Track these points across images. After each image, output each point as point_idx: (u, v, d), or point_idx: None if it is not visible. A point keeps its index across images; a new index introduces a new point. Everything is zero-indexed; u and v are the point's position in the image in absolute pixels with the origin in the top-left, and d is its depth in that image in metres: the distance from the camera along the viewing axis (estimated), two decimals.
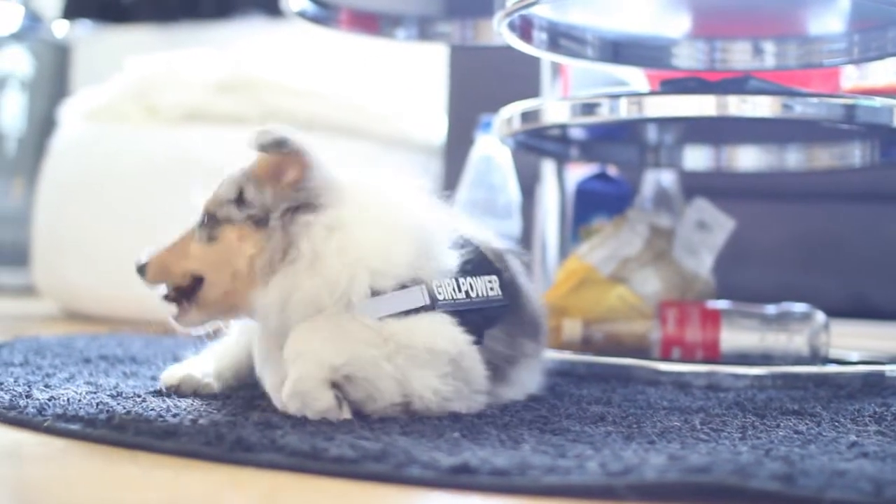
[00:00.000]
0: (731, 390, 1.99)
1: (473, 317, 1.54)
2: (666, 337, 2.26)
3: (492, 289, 1.59)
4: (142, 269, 1.61)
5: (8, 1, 5.98)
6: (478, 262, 1.59)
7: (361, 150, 3.88)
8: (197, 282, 1.57)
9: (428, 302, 1.50)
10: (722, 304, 2.31)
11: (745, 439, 1.41)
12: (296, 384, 1.42)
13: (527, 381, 1.72)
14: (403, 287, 1.50)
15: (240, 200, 1.58)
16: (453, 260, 1.55)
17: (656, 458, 1.20)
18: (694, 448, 1.31)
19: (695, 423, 1.54)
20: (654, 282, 2.42)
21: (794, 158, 2.57)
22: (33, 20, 6.06)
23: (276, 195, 1.55)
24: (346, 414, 1.43)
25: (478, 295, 1.56)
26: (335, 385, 1.44)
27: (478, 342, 1.53)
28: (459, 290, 1.54)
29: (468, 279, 1.55)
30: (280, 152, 1.56)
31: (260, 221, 1.54)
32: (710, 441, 1.38)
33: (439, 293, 1.51)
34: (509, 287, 1.63)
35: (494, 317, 1.57)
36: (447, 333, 1.51)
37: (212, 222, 1.58)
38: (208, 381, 1.71)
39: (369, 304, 1.48)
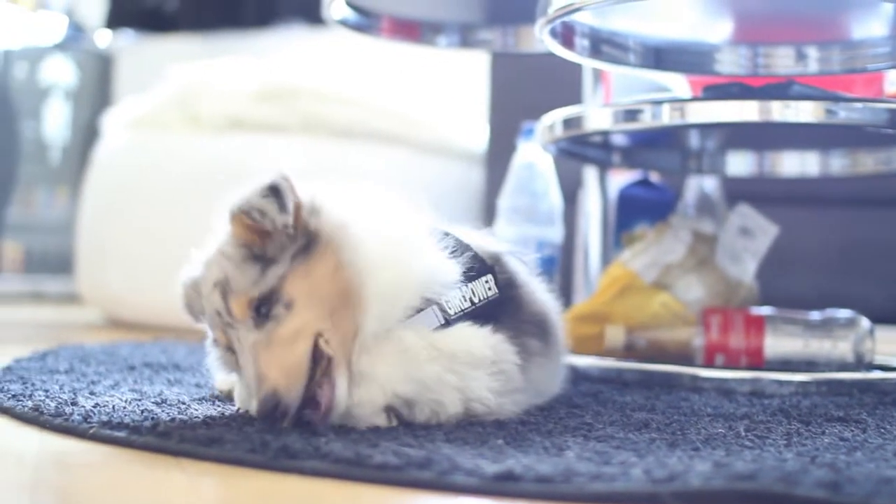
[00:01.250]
0: (776, 397, 1.98)
1: (473, 319, 1.55)
2: (709, 343, 2.25)
3: (489, 288, 1.59)
4: (274, 398, 1.36)
5: (52, 12, 6.03)
6: (474, 267, 1.59)
7: (402, 157, 3.88)
8: (317, 356, 1.41)
9: (442, 321, 1.51)
10: (766, 310, 2.30)
11: (790, 446, 1.40)
12: (354, 407, 1.42)
13: (541, 382, 1.72)
14: (419, 311, 1.50)
15: (259, 260, 1.45)
16: (456, 274, 1.55)
17: (701, 466, 1.19)
18: (739, 455, 1.31)
19: (739, 429, 1.53)
20: (698, 288, 2.41)
21: (837, 164, 2.55)
22: (76, 30, 6.11)
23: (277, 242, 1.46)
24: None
25: (480, 299, 1.57)
26: (390, 407, 1.45)
27: None
28: (465, 300, 1.55)
29: (469, 286, 1.56)
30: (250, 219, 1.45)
31: (302, 251, 1.45)
32: (755, 448, 1.38)
33: (449, 308, 1.53)
34: (506, 288, 1.63)
35: (490, 315, 1.57)
36: (482, 337, 1.53)
37: (268, 300, 1.42)
38: None
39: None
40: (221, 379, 1.69)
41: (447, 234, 1.61)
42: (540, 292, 1.77)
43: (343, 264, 1.44)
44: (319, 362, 1.39)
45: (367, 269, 1.46)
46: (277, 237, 1.44)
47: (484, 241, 1.70)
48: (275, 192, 1.44)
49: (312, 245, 1.44)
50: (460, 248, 1.60)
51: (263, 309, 1.40)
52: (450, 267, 1.55)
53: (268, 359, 1.38)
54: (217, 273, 1.45)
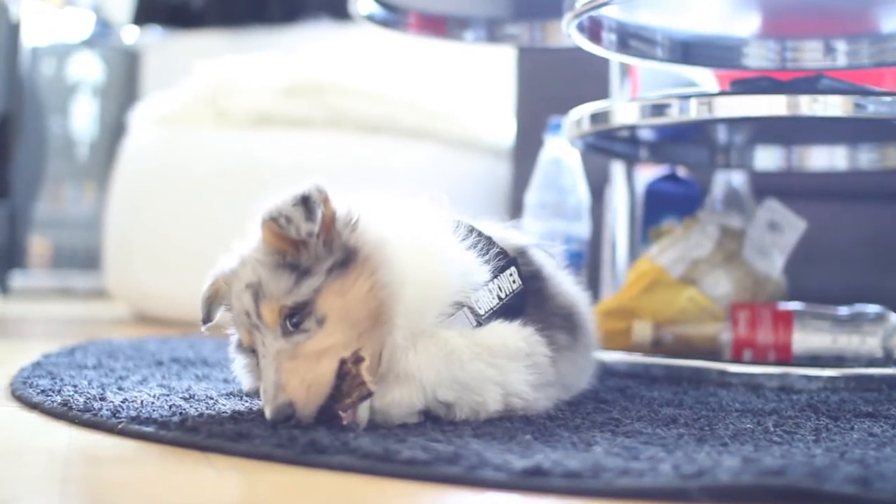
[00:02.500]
0: (804, 392, 1.98)
1: (502, 315, 1.55)
2: (737, 339, 2.24)
3: (514, 281, 1.59)
4: (289, 409, 1.35)
5: (79, 8, 6.05)
6: (499, 261, 1.59)
7: (429, 152, 3.89)
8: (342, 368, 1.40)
9: (474, 323, 1.52)
10: (794, 305, 2.29)
11: (818, 442, 1.39)
12: (391, 406, 1.42)
13: (569, 376, 1.72)
14: (450, 315, 1.50)
15: (293, 269, 1.43)
16: (485, 274, 1.55)
17: (730, 461, 1.19)
18: (767, 450, 1.30)
19: (768, 425, 1.53)
20: (725, 283, 2.40)
21: (866, 158, 2.54)
22: (104, 27, 6.13)
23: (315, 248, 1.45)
24: None
25: (506, 293, 1.57)
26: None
27: None
28: (493, 297, 1.54)
29: (495, 282, 1.56)
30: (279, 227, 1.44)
31: (339, 266, 1.44)
32: (783, 443, 1.37)
33: (479, 308, 1.53)
34: (531, 280, 1.63)
35: (517, 307, 1.57)
36: (514, 331, 1.54)
37: (300, 311, 1.41)
38: None
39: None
40: (248, 386, 1.69)
41: (472, 230, 1.61)
42: (567, 285, 1.77)
43: (379, 285, 1.43)
44: (343, 381, 1.37)
45: (401, 286, 1.45)
46: (311, 247, 1.43)
47: (508, 235, 1.70)
48: (304, 201, 1.44)
49: (350, 261, 1.43)
50: (485, 242, 1.60)
51: (294, 319, 1.40)
52: (479, 268, 1.55)
53: (291, 370, 1.37)
54: (251, 275, 1.44)
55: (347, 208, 1.50)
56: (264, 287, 1.42)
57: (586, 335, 1.76)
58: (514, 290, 1.58)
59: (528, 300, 1.60)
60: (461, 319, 1.51)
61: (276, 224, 1.42)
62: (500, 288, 1.57)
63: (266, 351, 1.40)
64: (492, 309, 1.54)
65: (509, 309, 1.56)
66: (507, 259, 1.60)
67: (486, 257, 1.57)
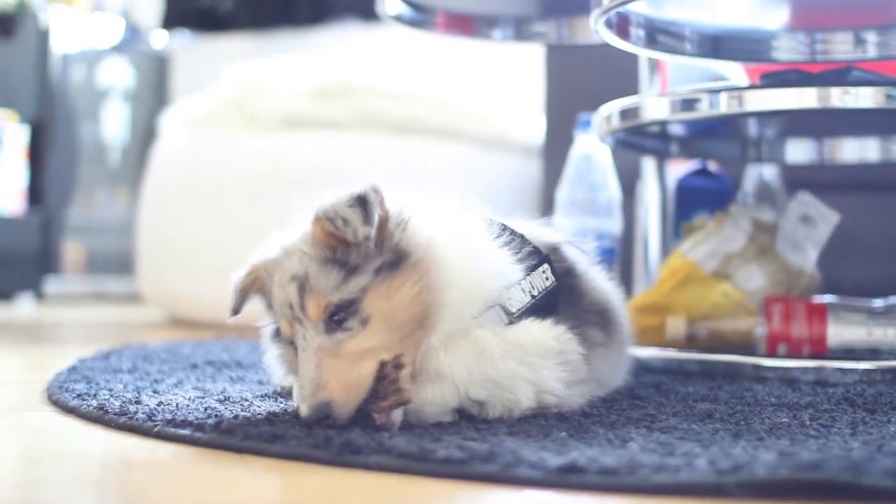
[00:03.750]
0: (840, 385, 1.97)
1: (534, 313, 1.55)
2: (772, 333, 2.24)
3: (546, 278, 1.59)
4: (327, 408, 1.35)
5: (108, 14, 6.07)
6: (532, 259, 1.59)
7: (459, 152, 3.88)
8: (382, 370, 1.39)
9: (506, 321, 1.52)
10: (828, 298, 2.28)
11: (855, 435, 1.39)
12: (425, 405, 1.42)
13: (604, 373, 1.71)
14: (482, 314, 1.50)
15: (341, 265, 1.43)
16: (519, 273, 1.55)
17: (766, 456, 1.19)
18: (804, 444, 1.30)
19: (804, 419, 1.52)
20: (759, 277, 2.39)
21: None
22: (133, 32, 6.16)
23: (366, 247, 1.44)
24: None
25: (538, 291, 1.56)
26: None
27: None
28: (525, 294, 1.54)
29: (527, 279, 1.56)
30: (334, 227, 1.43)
31: (388, 267, 1.43)
32: (819, 437, 1.37)
33: (511, 306, 1.53)
34: (564, 277, 1.63)
35: (550, 305, 1.57)
36: (546, 328, 1.53)
37: (345, 309, 1.40)
38: None
39: None
40: (282, 376, 1.69)
41: (504, 228, 1.61)
42: (600, 281, 1.77)
43: (427, 290, 1.43)
44: (381, 383, 1.37)
45: (447, 290, 1.45)
46: (362, 246, 1.42)
47: (541, 232, 1.70)
48: (362, 202, 1.43)
49: (399, 263, 1.43)
50: (517, 240, 1.59)
51: (338, 316, 1.39)
52: (512, 267, 1.55)
53: (331, 368, 1.36)
54: (297, 266, 1.43)
55: (399, 209, 1.49)
56: (311, 281, 1.41)
57: (620, 331, 1.75)
58: (546, 288, 1.58)
59: (561, 297, 1.60)
60: (493, 318, 1.51)
61: (332, 224, 1.42)
62: (532, 286, 1.56)
63: (306, 345, 1.40)
64: (524, 307, 1.53)
65: (542, 307, 1.56)
66: (539, 256, 1.60)
67: (519, 255, 1.56)
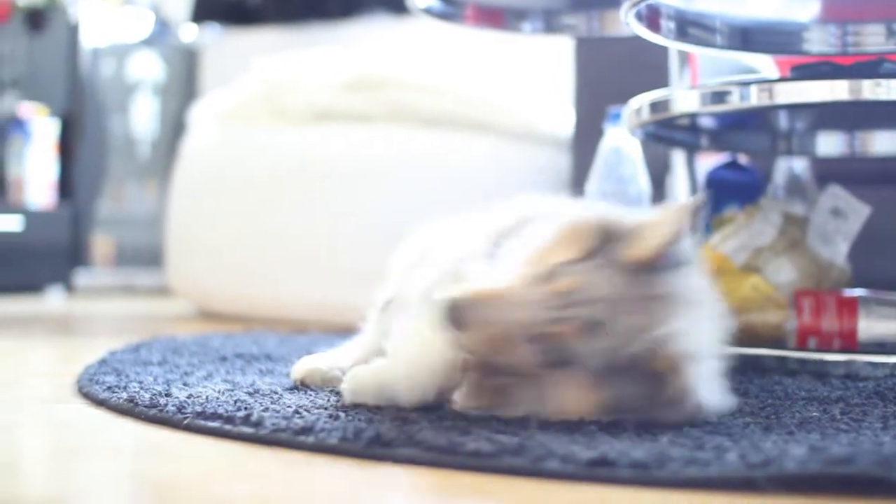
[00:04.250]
0: (871, 379, 1.96)
1: None
2: (802, 326, 2.23)
3: None
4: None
5: (138, 8, 6.09)
6: None
7: (489, 144, 3.88)
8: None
9: None
10: (858, 292, 2.27)
11: (886, 429, 1.38)
12: None
13: None
14: None
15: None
16: None
17: (796, 450, 1.18)
18: (835, 439, 1.29)
19: (834, 413, 1.52)
20: (789, 271, 2.38)
21: None
22: (163, 26, 6.17)
23: None
24: None
25: None
26: None
27: None
28: None
29: None
30: None
31: None
32: (850, 431, 1.36)
33: None
34: None
35: None
36: None
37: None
38: (335, 373, 1.72)
39: None
40: (297, 366, 1.71)
41: None
42: None
43: None
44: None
45: None
46: None
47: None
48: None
49: None
50: None
51: None
52: None
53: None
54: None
55: None
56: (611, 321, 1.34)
57: None
58: None
59: None
60: None
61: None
62: None
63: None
64: None
65: None
66: None
67: None
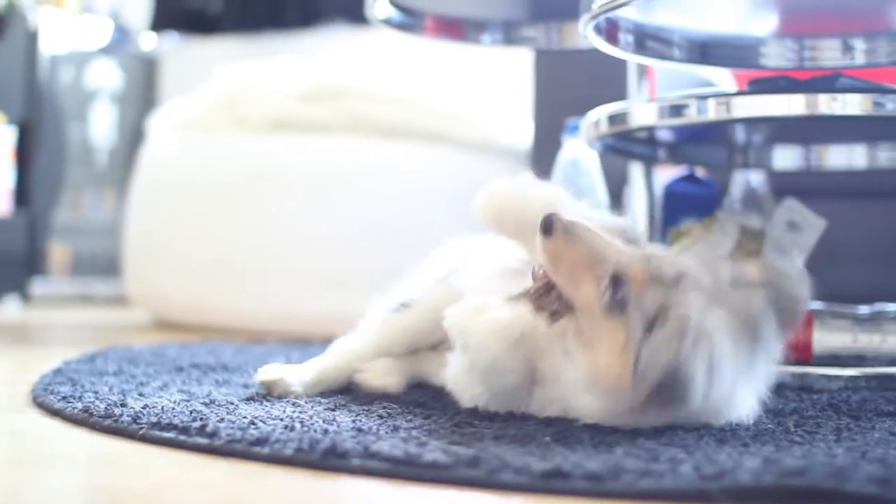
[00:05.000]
0: (825, 392, 1.97)
1: None
2: None
3: None
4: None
5: (97, 16, 6.07)
6: None
7: (447, 155, 3.88)
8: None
9: None
10: (814, 304, 2.28)
11: (840, 441, 1.39)
12: None
13: None
14: None
15: None
16: None
17: (750, 462, 1.19)
18: (788, 451, 1.30)
19: (788, 425, 1.53)
20: None
21: (885, 156, 2.53)
22: (122, 34, 6.15)
23: None
24: None
25: None
26: None
27: None
28: None
29: None
30: None
31: None
32: (804, 444, 1.37)
33: None
34: None
35: None
36: None
37: None
38: (297, 389, 1.75)
39: None
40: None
41: None
42: None
43: None
44: None
45: None
46: None
47: None
48: None
49: None
50: None
51: None
52: None
53: None
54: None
55: None
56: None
57: None
58: None
59: None
60: None
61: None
62: None
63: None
64: None
65: None
66: None
67: None
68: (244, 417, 1.48)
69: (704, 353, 1.37)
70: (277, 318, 3.57)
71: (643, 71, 2.57)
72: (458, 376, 1.59)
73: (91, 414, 1.52)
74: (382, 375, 1.81)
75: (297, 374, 1.79)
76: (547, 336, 1.49)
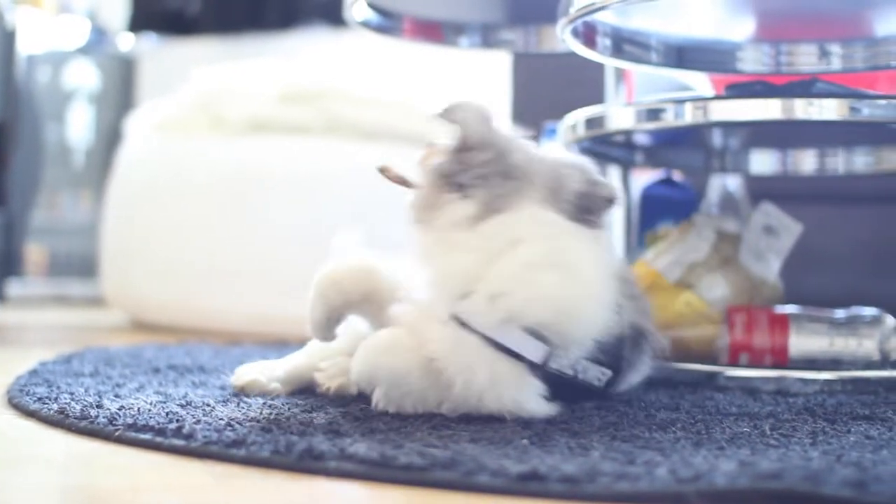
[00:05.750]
0: (801, 396, 1.98)
1: None
2: (734, 342, 2.25)
3: None
4: None
5: (74, 16, 6.05)
6: None
7: None
8: None
9: None
10: (790, 308, 2.29)
11: (815, 445, 1.40)
12: None
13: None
14: None
15: None
16: None
17: (726, 465, 1.19)
18: (764, 454, 1.30)
19: (764, 428, 1.53)
20: (722, 287, 2.40)
21: (861, 161, 2.55)
22: (99, 34, 6.14)
23: None
24: None
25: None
26: None
27: None
28: None
29: None
30: None
31: None
32: (780, 447, 1.37)
33: None
34: None
35: None
36: None
37: None
38: (274, 385, 1.76)
39: None
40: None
41: None
42: None
43: None
44: None
45: None
46: None
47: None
48: None
49: None
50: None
51: None
52: None
53: None
54: None
55: None
56: None
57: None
58: None
59: None
60: None
61: None
62: None
63: None
64: None
65: None
66: None
67: None
68: (220, 419, 1.48)
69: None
70: (255, 320, 3.57)
71: (621, 75, 2.57)
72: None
73: (67, 415, 1.52)
74: (338, 374, 1.81)
75: (270, 372, 1.80)
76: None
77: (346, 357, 1.80)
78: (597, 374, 1.61)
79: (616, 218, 2.65)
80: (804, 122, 2.02)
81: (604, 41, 2.18)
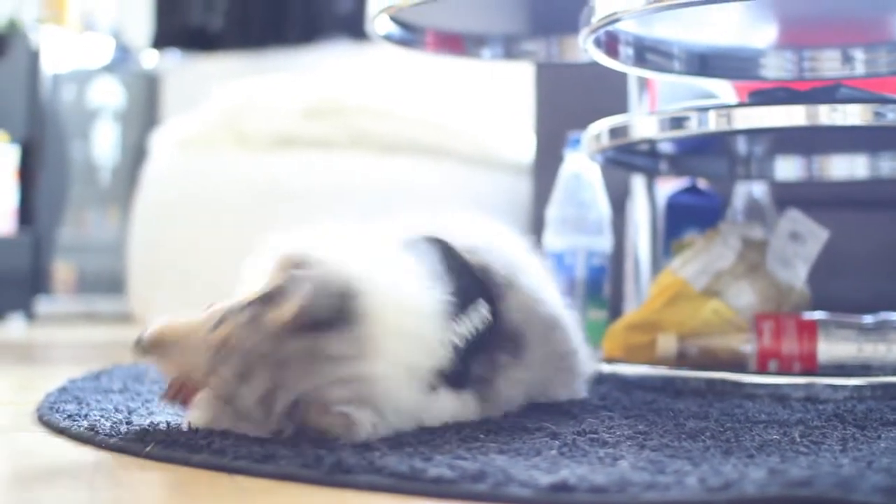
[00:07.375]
0: (830, 402, 1.97)
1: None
2: (762, 350, 2.24)
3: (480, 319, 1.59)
4: None
5: (98, 34, 6.08)
6: (464, 294, 1.58)
7: (450, 170, 3.89)
8: None
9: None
10: (818, 315, 2.28)
11: (845, 451, 1.39)
12: None
13: (507, 393, 1.68)
14: None
15: None
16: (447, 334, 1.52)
17: (756, 473, 1.19)
18: (794, 461, 1.30)
19: (794, 435, 1.53)
20: (749, 295, 2.39)
21: (887, 166, 2.54)
22: (123, 52, 6.16)
23: None
24: None
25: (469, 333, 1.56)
26: None
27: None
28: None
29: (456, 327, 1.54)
30: None
31: None
32: (810, 454, 1.37)
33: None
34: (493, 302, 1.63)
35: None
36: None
37: None
38: None
39: None
40: None
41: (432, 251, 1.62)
42: (529, 298, 1.75)
43: None
44: None
45: None
46: None
47: (472, 239, 1.73)
48: None
49: None
50: (447, 270, 1.58)
51: None
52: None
53: None
54: None
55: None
56: None
57: (534, 349, 1.73)
58: (478, 329, 1.58)
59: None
60: None
61: None
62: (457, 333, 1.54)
63: None
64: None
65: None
66: (474, 289, 1.62)
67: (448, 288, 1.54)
68: (249, 434, 1.48)
69: None
70: None
71: (644, 83, 2.58)
72: None
73: (97, 432, 1.52)
74: None
75: None
76: None
77: None
78: None
79: (642, 227, 2.65)
80: (829, 128, 2.02)
81: (626, 50, 2.18)
